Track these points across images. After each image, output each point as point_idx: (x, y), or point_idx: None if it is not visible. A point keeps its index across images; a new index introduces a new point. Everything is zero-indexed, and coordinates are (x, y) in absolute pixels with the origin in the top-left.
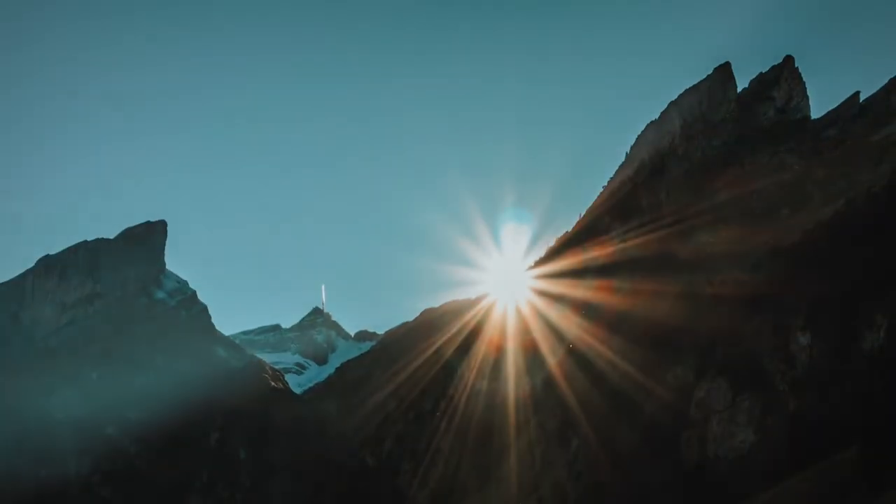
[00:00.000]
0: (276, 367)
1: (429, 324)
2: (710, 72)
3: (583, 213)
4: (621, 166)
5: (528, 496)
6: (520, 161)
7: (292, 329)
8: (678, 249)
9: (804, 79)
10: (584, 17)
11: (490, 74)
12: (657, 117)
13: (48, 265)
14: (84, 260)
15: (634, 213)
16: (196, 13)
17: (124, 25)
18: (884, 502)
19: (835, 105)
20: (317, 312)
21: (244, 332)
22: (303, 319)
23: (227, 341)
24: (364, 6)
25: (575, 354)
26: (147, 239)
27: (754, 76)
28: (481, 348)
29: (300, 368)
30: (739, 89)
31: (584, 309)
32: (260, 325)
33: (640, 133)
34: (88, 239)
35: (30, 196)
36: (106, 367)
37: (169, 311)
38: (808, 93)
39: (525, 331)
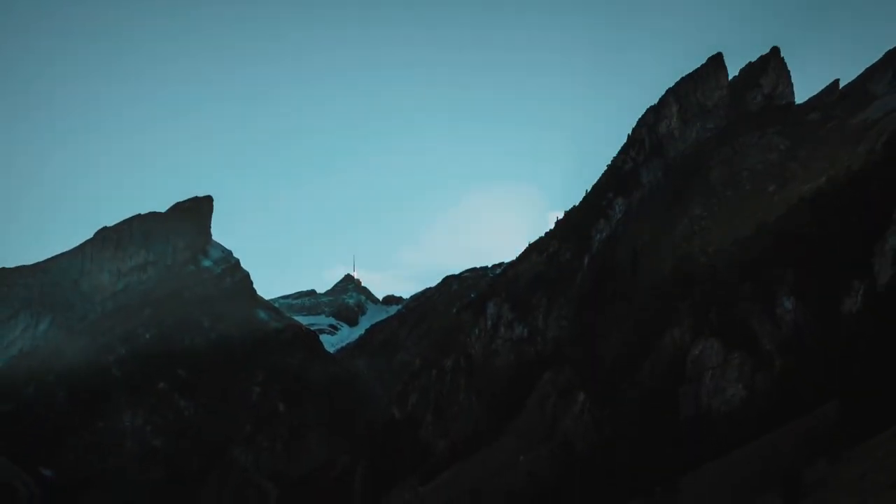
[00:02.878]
0: (312, 328)
1: (449, 289)
2: (704, 62)
3: (589, 190)
4: (623, 147)
5: (539, 447)
6: (535, 142)
7: (326, 294)
8: (676, 222)
9: (789, 68)
10: (590, 14)
11: (508, 65)
12: (656, 102)
13: (105, 236)
14: (138, 231)
15: (635, 190)
16: None
17: (167, 10)
18: (861, 450)
19: (817, 91)
20: (348, 279)
21: (283, 297)
22: (336, 285)
23: (267, 305)
24: None
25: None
26: (195, 212)
27: (744, 65)
28: (496, 311)
29: (333, 330)
30: (730, 77)
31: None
32: (297, 290)
33: (640, 117)
34: (142, 212)
35: (89, 173)
36: (157, 328)
37: (214, 278)
38: (793, 80)
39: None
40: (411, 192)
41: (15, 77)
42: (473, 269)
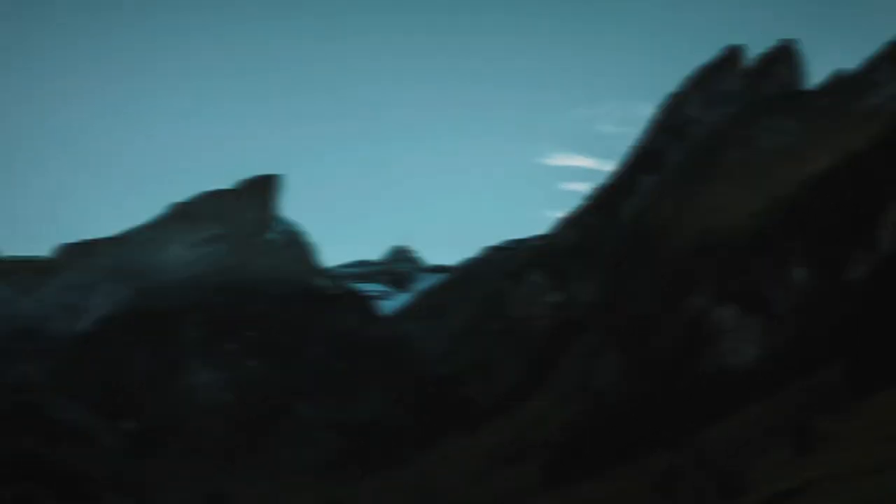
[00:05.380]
0: (367, 294)
1: (492, 258)
2: (723, 52)
3: (618, 169)
4: (649, 129)
5: (574, 401)
6: (571, 127)
7: (380, 262)
8: (697, 199)
9: (801, 58)
10: (613, 5)
11: (540, 57)
12: (680, 89)
13: (179, 211)
14: (210, 206)
15: (660, 169)
16: None
17: None
18: (866, 405)
19: (826, 79)
20: (400, 249)
21: (341, 265)
22: (389, 254)
23: (327, 273)
24: None
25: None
26: (262, 188)
27: (759, 55)
28: (535, 278)
29: (386, 295)
30: (747, 66)
31: None
32: (354, 259)
33: (664, 102)
34: (214, 189)
35: (165, 151)
36: (227, 295)
37: (279, 249)
38: (804, 69)
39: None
40: (459, 171)
41: (97, 65)
42: (515, 240)
